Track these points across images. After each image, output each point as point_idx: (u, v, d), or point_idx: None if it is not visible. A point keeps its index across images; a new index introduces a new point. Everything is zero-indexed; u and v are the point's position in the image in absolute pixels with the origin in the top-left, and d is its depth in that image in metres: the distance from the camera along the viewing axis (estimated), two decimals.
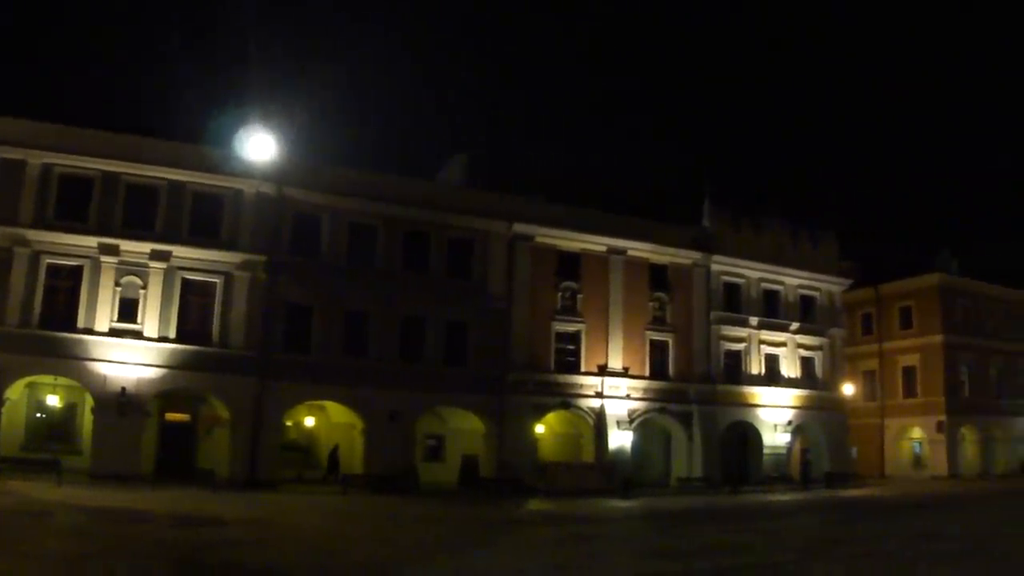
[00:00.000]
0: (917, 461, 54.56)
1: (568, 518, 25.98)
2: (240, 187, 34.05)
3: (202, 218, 33.55)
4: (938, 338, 53.93)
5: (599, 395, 40.07)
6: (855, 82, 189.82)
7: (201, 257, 33.19)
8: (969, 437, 54.68)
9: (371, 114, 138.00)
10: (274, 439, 33.92)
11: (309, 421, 37.96)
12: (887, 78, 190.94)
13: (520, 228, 39.32)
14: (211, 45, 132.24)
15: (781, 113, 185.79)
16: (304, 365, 34.26)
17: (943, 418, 52.66)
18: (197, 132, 35.76)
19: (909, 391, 54.98)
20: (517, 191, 40.68)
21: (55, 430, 32.74)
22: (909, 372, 55.21)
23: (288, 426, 36.96)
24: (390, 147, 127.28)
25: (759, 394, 45.54)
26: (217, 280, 33.52)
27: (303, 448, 38.12)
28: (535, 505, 31.13)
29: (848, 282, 51.16)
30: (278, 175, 33.86)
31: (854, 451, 51.04)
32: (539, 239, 39.96)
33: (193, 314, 33.23)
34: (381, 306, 35.91)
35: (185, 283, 33.04)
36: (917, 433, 54.64)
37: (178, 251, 32.79)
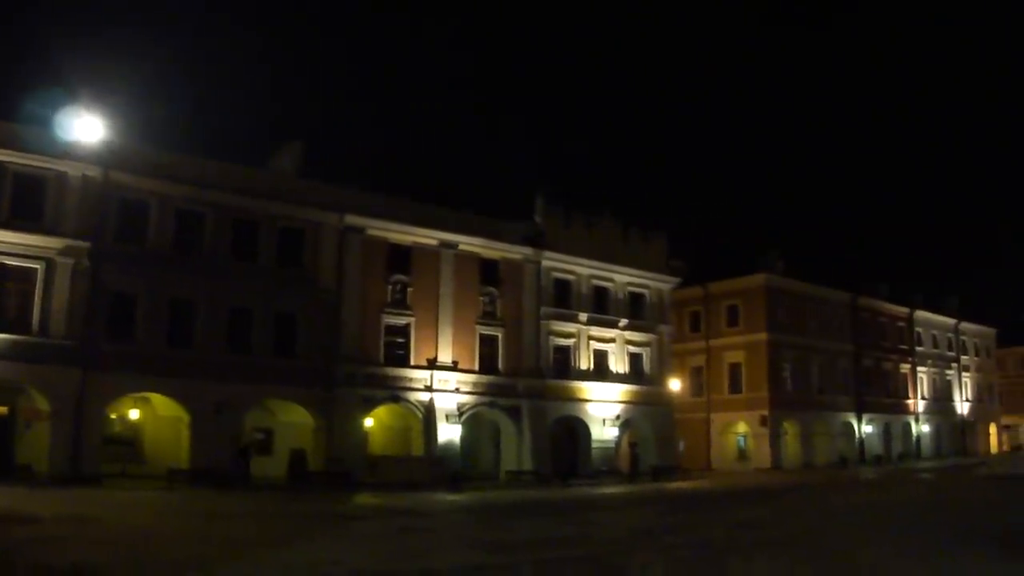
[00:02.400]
0: (742, 454, 63.12)
1: (396, 511, 28.40)
2: (64, 169, 36.11)
3: (22, 201, 35.02)
4: (763, 336, 62.53)
5: (428, 389, 45.16)
6: (685, 83, 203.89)
7: (20, 241, 34.62)
8: (791, 431, 63.86)
9: (204, 99, 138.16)
10: (97, 432, 36.23)
11: (134, 414, 40.25)
12: (719, 80, 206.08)
13: (352, 220, 43.64)
14: (33, 20, 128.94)
15: (613, 112, 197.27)
16: (129, 356, 36.63)
17: (767, 413, 61.63)
18: (16, 110, 37.11)
19: (735, 387, 63.60)
20: (350, 182, 45.05)
21: None
22: (735, 368, 63.75)
23: (112, 419, 39.61)
24: (223, 133, 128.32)
25: (588, 389, 52.26)
26: (38, 266, 35.14)
27: (128, 442, 40.50)
28: (364, 499, 34.04)
29: (677, 280, 58.91)
30: (104, 158, 36.37)
31: (681, 445, 58.90)
32: (371, 231, 44.43)
33: (11, 301, 34.94)
34: (209, 296, 39.07)
35: (3, 268, 34.53)
36: (742, 427, 63.28)
37: None
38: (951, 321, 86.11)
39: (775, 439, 61.41)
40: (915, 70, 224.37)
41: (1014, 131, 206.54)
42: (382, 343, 44.52)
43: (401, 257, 45.58)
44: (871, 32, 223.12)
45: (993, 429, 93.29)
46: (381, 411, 45.15)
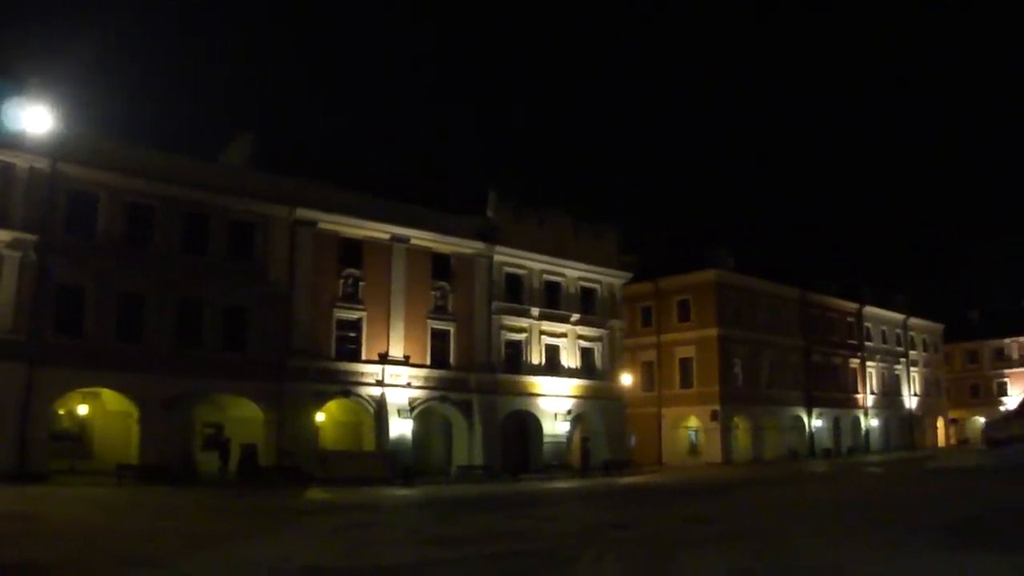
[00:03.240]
0: (693, 449, 64.93)
1: (348, 507, 28.72)
2: (11, 161, 36.33)
3: None
4: (713, 331, 64.37)
5: (380, 383, 46.11)
6: (636, 79, 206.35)
7: None
8: (742, 426, 65.83)
9: (155, 91, 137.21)
10: (44, 428, 36.46)
11: (82, 409, 40.44)
12: (669, 77, 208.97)
13: (303, 213, 44.35)
14: None
15: (565, 108, 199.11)
16: (77, 350, 36.96)
17: (717, 407, 63.56)
18: None
19: (686, 382, 65.42)
20: (302, 175, 45.47)
21: None
22: (686, 363, 65.49)
23: (60, 415, 39.90)
24: (174, 126, 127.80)
25: (539, 383, 53.60)
26: None
27: (76, 437, 40.78)
28: (315, 494, 34.29)
29: (628, 275, 60.50)
30: (52, 149, 36.43)
31: (632, 439, 60.68)
32: (322, 225, 45.15)
33: None
34: (158, 289, 39.53)
35: None
36: (693, 422, 65.06)
37: None
38: (899, 317, 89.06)
39: (726, 433, 63.30)
40: (863, 69, 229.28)
41: (961, 130, 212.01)
42: (333, 337, 45.30)
43: (353, 251, 46.40)
44: (818, 29, 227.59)
45: (940, 423, 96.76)
46: (332, 406, 45.91)
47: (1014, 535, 17.71)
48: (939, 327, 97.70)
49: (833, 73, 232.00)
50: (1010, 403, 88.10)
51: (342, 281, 45.78)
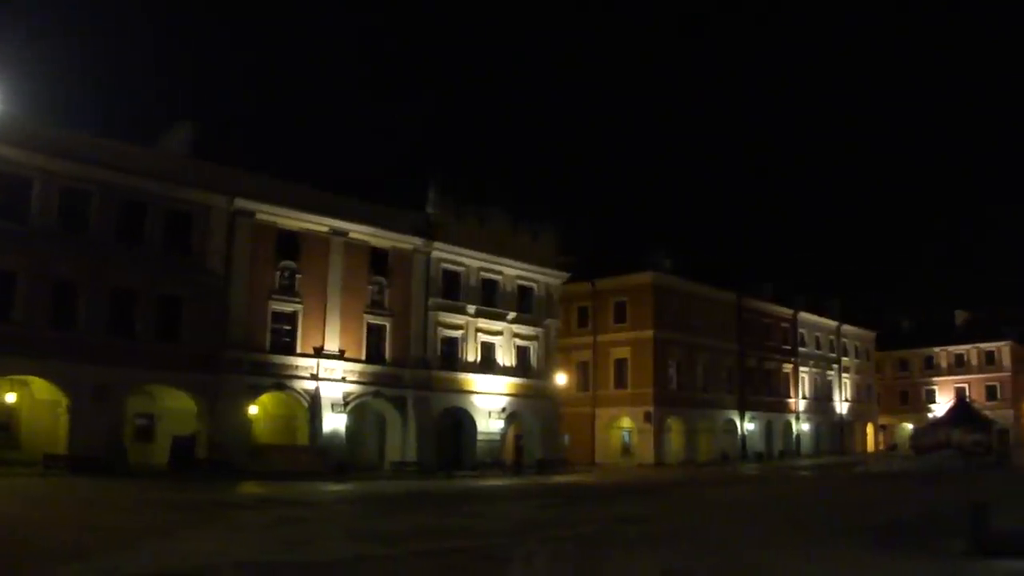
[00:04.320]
0: (626, 449, 66.89)
1: (280, 501, 29.17)
2: None
3: None
4: (649, 333, 66.11)
5: (315, 377, 46.91)
6: (576, 80, 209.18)
7: None
8: (675, 427, 67.93)
9: (95, 76, 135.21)
10: None
11: (10, 397, 40.20)
12: (608, 77, 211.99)
13: (241, 203, 44.89)
14: None
15: (507, 107, 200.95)
16: (6, 337, 36.98)
17: (651, 409, 65.42)
18: None
19: (620, 382, 67.23)
20: (241, 165, 46.10)
21: None
22: (621, 364, 67.27)
23: None
24: (114, 111, 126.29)
25: (474, 381, 54.96)
26: None
27: (2, 426, 40.85)
28: (247, 488, 34.83)
29: (566, 275, 62.12)
30: None
31: (566, 438, 62.38)
32: (260, 216, 45.79)
33: None
34: (92, 277, 39.67)
35: None
36: (627, 422, 66.92)
37: None
38: (833, 324, 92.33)
39: (659, 435, 65.27)
40: (799, 72, 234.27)
41: (897, 141, 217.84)
42: (269, 330, 45.96)
43: (291, 243, 47.04)
44: (750, 31, 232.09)
45: (870, 429, 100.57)
46: (266, 399, 46.47)
47: (937, 539, 18.65)
48: (871, 335, 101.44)
49: (771, 76, 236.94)
50: (938, 411, 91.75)
51: (279, 273, 46.36)
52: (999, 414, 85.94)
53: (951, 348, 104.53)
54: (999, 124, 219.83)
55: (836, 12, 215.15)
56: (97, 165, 39.95)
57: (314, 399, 46.55)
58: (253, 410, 45.11)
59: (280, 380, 45.58)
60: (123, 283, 40.77)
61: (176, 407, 43.70)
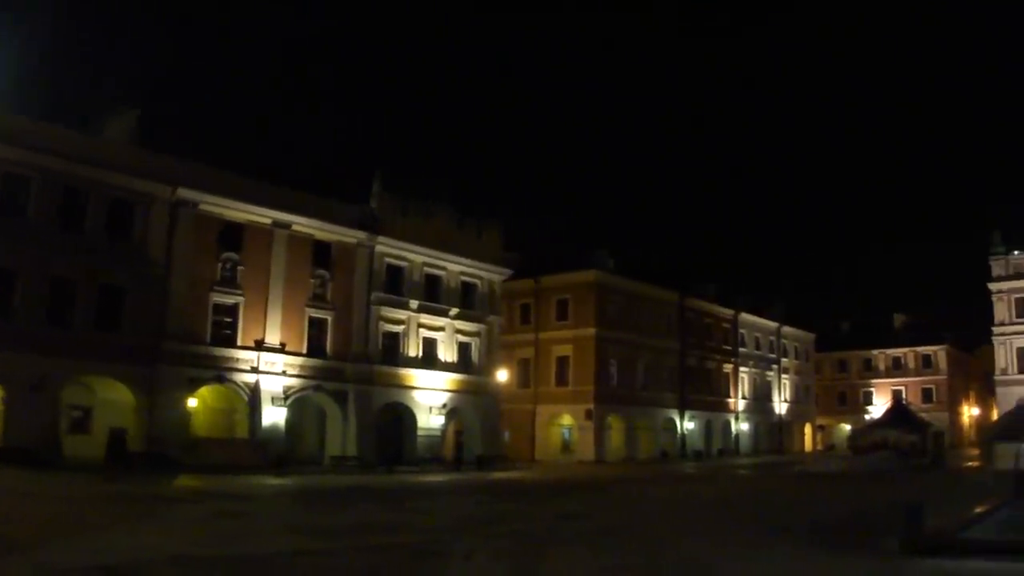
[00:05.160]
0: (566, 446, 68.24)
1: (218, 495, 29.37)
2: None
3: None
4: (591, 331, 67.49)
5: (255, 370, 47.18)
6: (522, 78, 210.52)
7: None
8: (615, 425, 69.37)
9: (37, 61, 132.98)
10: None
11: None
12: (555, 76, 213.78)
13: (184, 193, 45.04)
14: None
15: (454, 103, 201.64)
16: None
17: (592, 407, 66.81)
18: None
19: (561, 380, 68.61)
20: (185, 154, 46.24)
21: None
22: (562, 362, 68.60)
23: None
24: (55, 97, 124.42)
25: (416, 376, 55.79)
26: None
27: None
28: (185, 481, 34.93)
29: (509, 272, 63.30)
30: None
31: (507, 435, 63.49)
32: (203, 206, 45.99)
33: None
34: (30, 265, 39.38)
35: None
36: (567, 420, 68.29)
37: None
38: (773, 325, 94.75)
39: (599, 432, 66.71)
40: (746, 74, 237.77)
41: (840, 145, 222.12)
42: (209, 322, 46.19)
43: (233, 234, 47.33)
44: (696, 31, 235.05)
45: (808, 429, 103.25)
46: (206, 391, 46.71)
47: (872, 538, 19.26)
48: (811, 336, 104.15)
49: (716, 78, 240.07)
50: (875, 412, 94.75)
51: (221, 265, 46.63)
52: (935, 416, 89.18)
53: (889, 351, 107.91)
54: (938, 127, 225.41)
55: (758, 16, 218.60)
56: (38, 150, 39.52)
57: (254, 392, 46.72)
58: (192, 403, 45.15)
59: (220, 373, 45.82)
60: (62, 272, 40.44)
61: (113, 399, 43.50)
